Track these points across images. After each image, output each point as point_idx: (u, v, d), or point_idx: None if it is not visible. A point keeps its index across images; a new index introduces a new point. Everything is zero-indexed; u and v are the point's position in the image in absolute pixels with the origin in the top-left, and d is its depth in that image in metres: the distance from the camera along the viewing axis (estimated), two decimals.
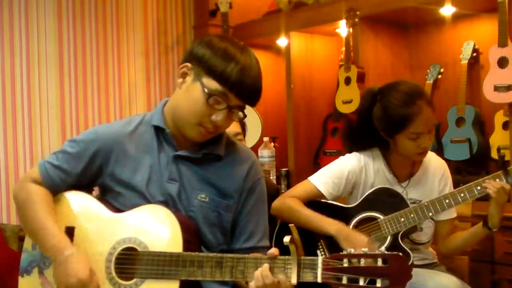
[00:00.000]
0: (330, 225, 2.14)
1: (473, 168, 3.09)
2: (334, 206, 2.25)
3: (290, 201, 2.24)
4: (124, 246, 1.59)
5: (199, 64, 1.57)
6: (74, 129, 3.71)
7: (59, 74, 3.67)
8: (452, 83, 3.35)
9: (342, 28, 3.51)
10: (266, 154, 3.64)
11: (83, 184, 1.69)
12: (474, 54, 3.20)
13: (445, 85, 3.42)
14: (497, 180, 2.04)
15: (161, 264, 1.53)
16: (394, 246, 2.10)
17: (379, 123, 2.17)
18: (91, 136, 1.68)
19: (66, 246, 1.56)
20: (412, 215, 2.10)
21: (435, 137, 3.26)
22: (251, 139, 3.66)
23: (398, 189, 2.21)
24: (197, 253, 1.55)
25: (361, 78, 3.38)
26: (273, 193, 2.46)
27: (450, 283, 2.02)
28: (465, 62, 3.19)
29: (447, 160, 2.60)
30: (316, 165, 3.64)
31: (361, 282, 1.34)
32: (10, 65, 3.49)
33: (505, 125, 2.99)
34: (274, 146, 3.76)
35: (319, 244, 2.20)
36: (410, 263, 2.09)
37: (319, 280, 1.38)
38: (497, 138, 3.02)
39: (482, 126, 3.19)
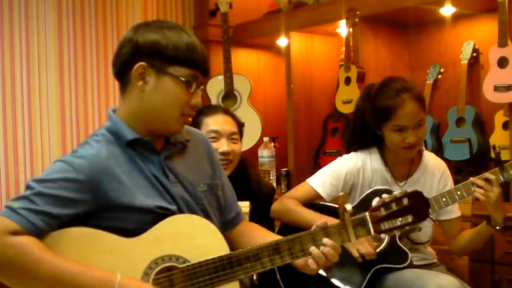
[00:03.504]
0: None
1: (473, 168, 3.08)
2: (332, 208, 2.25)
3: (288, 202, 2.25)
4: (158, 268, 1.46)
5: (154, 58, 1.49)
6: (74, 129, 3.71)
7: (59, 74, 3.67)
8: (452, 83, 3.34)
9: (342, 28, 3.51)
10: (266, 154, 3.64)
11: (74, 224, 1.45)
12: (474, 54, 3.20)
13: (445, 85, 3.42)
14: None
15: (213, 271, 1.46)
16: (392, 246, 2.11)
17: (369, 116, 2.18)
18: (70, 174, 1.44)
19: (109, 276, 1.39)
20: None
21: (435, 137, 3.27)
22: (251, 139, 3.66)
23: (396, 188, 2.22)
24: (246, 248, 1.52)
25: (361, 78, 3.38)
26: (270, 194, 2.46)
27: (449, 284, 2.01)
28: (465, 62, 3.19)
29: (447, 160, 2.60)
30: (316, 165, 3.64)
31: (398, 223, 1.57)
32: (10, 65, 3.49)
33: (505, 125, 2.99)
34: (274, 146, 3.76)
35: None
36: (408, 263, 2.10)
37: (372, 232, 1.57)
38: (497, 138, 3.02)
39: (482, 126, 3.19)
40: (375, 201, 1.59)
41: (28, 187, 1.43)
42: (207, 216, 1.60)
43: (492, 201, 2.03)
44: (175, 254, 1.46)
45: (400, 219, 1.56)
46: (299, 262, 1.59)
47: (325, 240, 1.54)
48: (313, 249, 1.53)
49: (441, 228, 2.29)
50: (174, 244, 1.46)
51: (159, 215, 1.50)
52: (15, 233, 1.35)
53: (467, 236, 2.23)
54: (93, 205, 1.45)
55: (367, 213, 1.57)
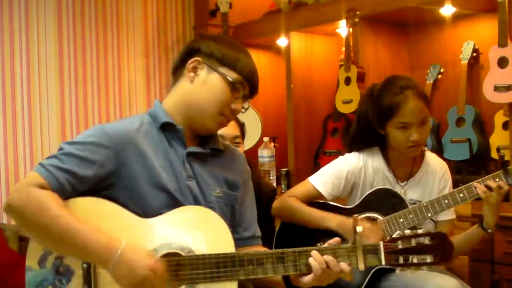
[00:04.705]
0: (330, 220, 2.16)
1: (473, 168, 3.09)
2: (333, 206, 2.25)
3: (290, 200, 2.25)
4: (163, 252, 1.49)
5: (210, 57, 1.64)
6: (74, 129, 3.71)
7: (59, 74, 3.67)
8: (452, 83, 3.34)
9: (342, 28, 3.51)
10: (266, 154, 3.64)
11: (95, 190, 1.54)
12: (474, 54, 3.20)
13: (445, 85, 3.42)
14: (497, 179, 2.04)
15: (215, 266, 1.48)
16: None
17: (372, 115, 2.18)
18: (100, 139, 1.55)
19: (114, 241, 1.44)
20: (411, 216, 2.10)
21: (435, 137, 3.27)
22: (251, 139, 3.66)
23: (397, 188, 2.22)
24: (253, 251, 1.54)
25: (361, 78, 3.38)
26: (270, 194, 2.46)
27: (449, 284, 2.01)
28: (465, 62, 3.19)
29: (447, 160, 2.60)
30: (316, 165, 3.64)
31: (415, 260, 1.50)
32: (10, 65, 3.49)
33: (505, 125, 2.99)
34: (274, 146, 3.76)
35: (319, 245, 2.20)
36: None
37: (383, 263, 1.50)
38: (497, 138, 3.02)
39: (482, 126, 3.19)
40: (396, 233, 1.56)
41: (60, 148, 1.55)
42: None
43: (491, 200, 2.03)
44: (182, 243, 1.50)
45: (417, 257, 1.50)
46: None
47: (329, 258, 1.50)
48: (313, 262, 1.50)
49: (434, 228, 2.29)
50: (184, 233, 1.50)
51: (172, 198, 1.57)
52: (41, 186, 1.46)
53: (458, 239, 2.22)
54: (116, 172, 1.55)
55: (381, 242, 1.52)
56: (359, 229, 1.49)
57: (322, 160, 3.65)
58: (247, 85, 1.65)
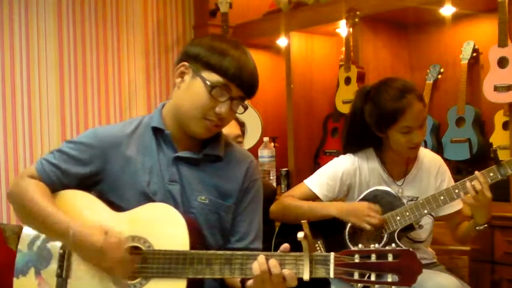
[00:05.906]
0: (329, 207, 2.19)
1: (473, 168, 3.07)
2: None
3: (285, 200, 2.27)
4: (128, 245, 1.55)
5: (196, 61, 1.61)
6: (74, 129, 3.71)
7: (59, 74, 3.67)
8: (452, 83, 3.34)
9: (342, 28, 3.51)
10: (266, 154, 3.64)
11: (80, 186, 1.66)
12: (474, 54, 3.20)
13: (445, 85, 3.42)
14: (491, 174, 2.05)
15: (167, 262, 1.51)
16: (390, 245, 2.10)
17: (370, 119, 2.18)
18: (90, 140, 1.67)
19: (69, 223, 1.53)
20: (407, 213, 2.11)
21: (435, 137, 3.28)
22: (251, 139, 3.66)
23: (394, 187, 2.23)
24: (204, 251, 1.53)
25: (361, 78, 3.38)
26: (270, 194, 2.46)
27: (449, 283, 2.02)
28: (465, 62, 3.19)
29: (447, 160, 2.60)
30: (316, 165, 3.64)
31: (372, 277, 1.35)
32: (10, 65, 3.49)
33: (505, 125, 2.99)
34: (274, 146, 3.76)
35: (316, 245, 2.21)
36: None
37: (332, 275, 1.38)
38: (497, 138, 3.02)
39: (482, 126, 3.19)
40: (358, 247, 1.40)
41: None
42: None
43: (477, 205, 2.05)
44: (143, 237, 1.56)
45: (376, 274, 1.34)
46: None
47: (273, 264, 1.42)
48: (255, 268, 1.44)
49: (443, 219, 2.30)
50: (146, 228, 1.57)
51: (150, 200, 1.62)
52: (32, 177, 1.64)
53: (464, 228, 2.26)
54: (101, 171, 1.65)
55: (332, 254, 1.38)
56: (299, 235, 1.36)
57: (322, 160, 3.65)
58: (235, 87, 1.58)
